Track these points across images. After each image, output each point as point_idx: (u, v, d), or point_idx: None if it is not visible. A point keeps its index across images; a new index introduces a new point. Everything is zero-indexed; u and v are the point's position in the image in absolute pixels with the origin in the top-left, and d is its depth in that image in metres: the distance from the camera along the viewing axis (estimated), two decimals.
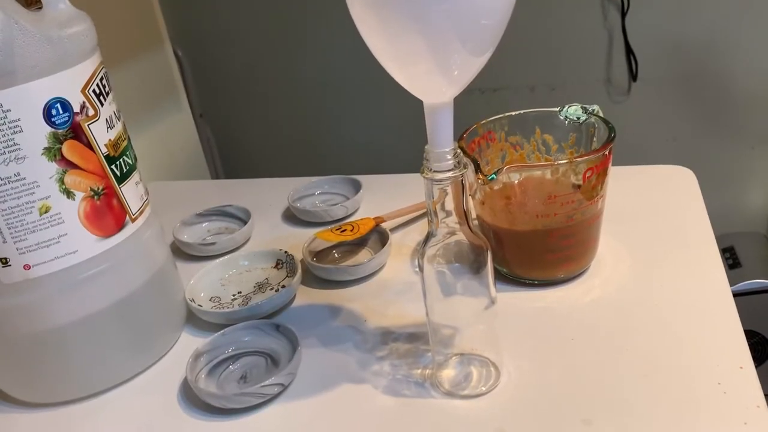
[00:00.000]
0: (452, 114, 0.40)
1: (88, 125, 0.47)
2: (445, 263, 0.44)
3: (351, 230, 0.65)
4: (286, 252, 0.65)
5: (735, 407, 0.42)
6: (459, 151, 0.41)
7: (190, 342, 0.57)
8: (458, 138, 0.50)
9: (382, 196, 0.76)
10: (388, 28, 0.36)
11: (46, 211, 0.46)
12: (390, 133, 1.19)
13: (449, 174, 0.40)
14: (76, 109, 0.47)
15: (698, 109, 1.08)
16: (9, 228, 0.46)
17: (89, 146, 0.48)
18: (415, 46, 0.36)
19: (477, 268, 0.44)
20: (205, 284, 0.63)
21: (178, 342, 0.57)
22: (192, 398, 0.50)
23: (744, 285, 0.97)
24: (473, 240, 0.43)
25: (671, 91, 1.07)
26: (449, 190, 0.41)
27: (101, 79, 0.49)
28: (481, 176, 0.49)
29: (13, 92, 0.43)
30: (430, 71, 0.37)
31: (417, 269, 0.45)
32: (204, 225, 0.75)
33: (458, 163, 0.40)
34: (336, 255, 0.66)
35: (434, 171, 0.40)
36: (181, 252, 0.70)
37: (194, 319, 0.59)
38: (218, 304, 0.61)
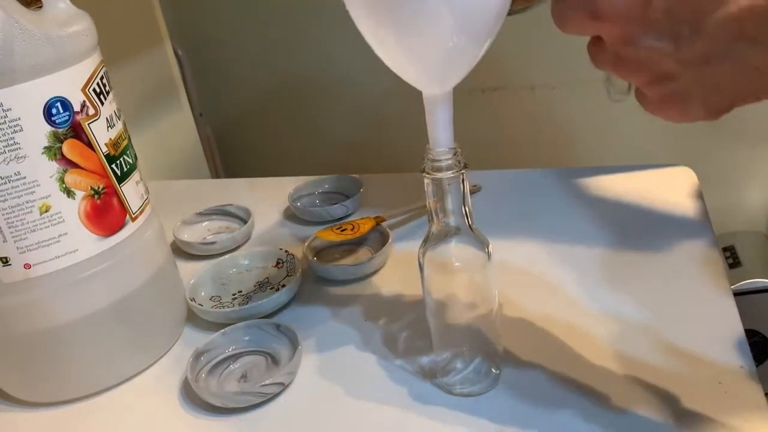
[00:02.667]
0: (452, 111, 0.40)
1: (88, 124, 0.47)
2: (446, 263, 0.44)
3: (351, 229, 0.65)
4: (286, 251, 0.65)
5: (735, 406, 0.42)
6: (459, 150, 0.41)
7: (190, 341, 0.57)
8: None
9: (383, 196, 0.76)
10: (381, 9, 0.35)
11: (46, 211, 0.46)
12: (391, 132, 1.19)
13: (450, 173, 0.40)
14: (77, 108, 0.46)
15: None
16: (9, 227, 0.45)
17: (89, 145, 0.48)
18: (413, 27, 0.35)
19: (477, 267, 0.44)
20: (206, 284, 0.63)
21: (178, 341, 0.57)
22: (192, 398, 0.50)
23: (744, 284, 0.97)
24: (474, 239, 0.43)
25: None
26: (450, 189, 0.41)
27: (101, 78, 0.49)
28: None
29: (13, 91, 0.43)
30: (428, 55, 0.37)
31: (417, 269, 0.45)
32: (204, 224, 0.75)
33: (459, 162, 0.40)
34: (336, 254, 0.66)
35: (435, 170, 0.40)
36: (181, 251, 0.70)
37: (194, 319, 0.59)
38: (218, 303, 0.61)
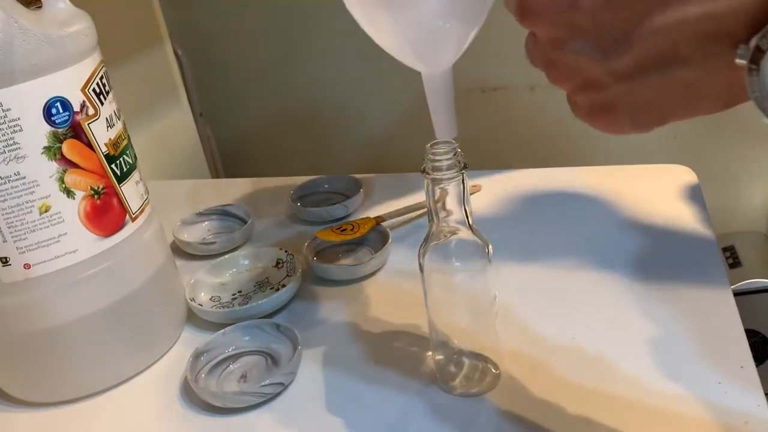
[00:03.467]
0: (452, 94, 0.39)
1: (88, 124, 0.47)
2: (446, 263, 0.44)
3: (351, 229, 0.65)
4: (286, 251, 0.65)
5: (736, 407, 0.42)
6: (459, 150, 0.41)
7: (190, 341, 0.57)
8: None
9: (383, 196, 0.76)
10: None
11: (46, 211, 0.46)
12: (390, 133, 1.19)
13: (450, 173, 0.40)
14: (76, 108, 0.46)
15: None
16: (9, 227, 0.45)
17: (89, 145, 0.48)
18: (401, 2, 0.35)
19: (477, 267, 0.44)
20: (205, 284, 0.63)
21: (178, 341, 0.57)
22: (192, 398, 0.50)
23: (744, 284, 0.97)
24: (474, 239, 0.43)
25: None
26: (450, 189, 0.41)
27: (101, 78, 0.49)
28: None
29: (13, 91, 0.43)
30: (417, 30, 0.36)
31: (417, 269, 0.45)
32: (204, 224, 0.75)
33: (459, 162, 0.40)
34: (336, 254, 0.66)
35: (435, 170, 0.40)
36: (181, 251, 0.70)
37: (194, 319, 0.59)
38: (218, 303, 0.61)
